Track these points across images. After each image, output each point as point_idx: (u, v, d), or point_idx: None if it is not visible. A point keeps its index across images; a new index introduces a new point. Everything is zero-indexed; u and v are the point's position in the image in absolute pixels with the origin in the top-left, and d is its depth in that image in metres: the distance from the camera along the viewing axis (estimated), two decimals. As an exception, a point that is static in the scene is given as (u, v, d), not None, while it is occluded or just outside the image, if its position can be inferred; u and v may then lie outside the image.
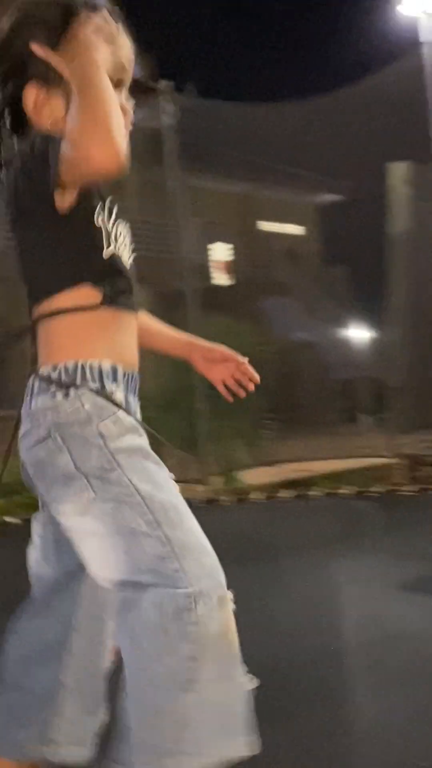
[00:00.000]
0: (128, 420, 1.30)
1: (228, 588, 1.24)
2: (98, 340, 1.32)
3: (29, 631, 1.47)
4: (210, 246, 13.44)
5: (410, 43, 7.35)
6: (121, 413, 1.29)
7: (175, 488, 1.30)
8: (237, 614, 1.25)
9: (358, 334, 19.36)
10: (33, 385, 1.32)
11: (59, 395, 1.28)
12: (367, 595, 3.28)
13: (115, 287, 1.34)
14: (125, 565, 1.23)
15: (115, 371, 1.33)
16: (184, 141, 8.83)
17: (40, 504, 1.42)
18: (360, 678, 2.29)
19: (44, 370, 1.31)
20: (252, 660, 1.27)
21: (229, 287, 13.19)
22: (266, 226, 14.61)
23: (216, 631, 1.20)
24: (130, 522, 1.22)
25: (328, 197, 12.34)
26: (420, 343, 6.94)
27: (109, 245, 1.34)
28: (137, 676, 1.21)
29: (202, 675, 1.18)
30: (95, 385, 1.29)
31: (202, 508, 6.76)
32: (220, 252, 13.77)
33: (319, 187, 12.34)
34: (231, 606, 1.23)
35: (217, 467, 6.83)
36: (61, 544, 1.37)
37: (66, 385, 1.29)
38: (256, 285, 12.03)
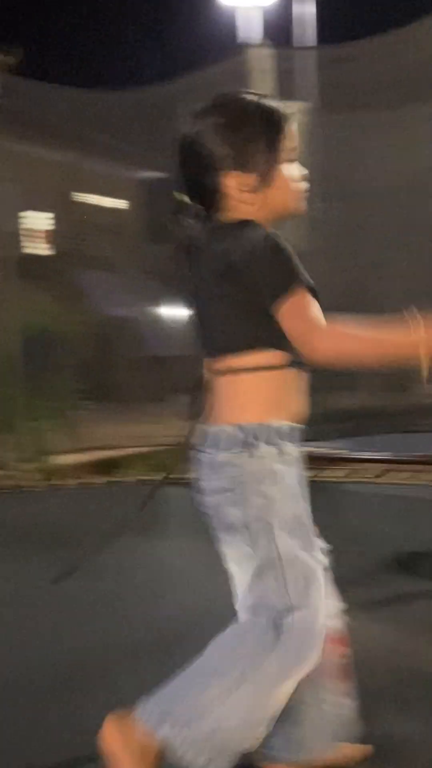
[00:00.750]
0: (294, 485, 1.50)
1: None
2: (280, 400, 1.49)
3: None
4: (24, 214, 12.88)
5: (230, 35, 7.41)
6: (288, 479, 1.49)
7: (314, 558, 1.52)
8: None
9: (178, 313, 19.56)
10: (217, 437, 1.50)
11: (244, 455, 1.47)
12: (177, 576, 3.33)
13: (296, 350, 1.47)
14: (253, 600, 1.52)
15: (290, 431, 1.50)
16: (4, 106, 8.40)
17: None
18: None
19: (230, 428, 1.49)
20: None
21: (47, 258, 12.77)
22: (88, 198, 14.26)
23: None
24: (268, 582, 1.49)
25: (153, 174, 12.24)
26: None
27: None
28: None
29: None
30: (274, 449, 1.48)
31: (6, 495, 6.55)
32: (38, 221, 13.26)
33: (142, 163, 12.21)
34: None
35: (31, 450, 6.60)
36: None
37: (250, 445, 1.47)
38: (74, 257, 11.73)
